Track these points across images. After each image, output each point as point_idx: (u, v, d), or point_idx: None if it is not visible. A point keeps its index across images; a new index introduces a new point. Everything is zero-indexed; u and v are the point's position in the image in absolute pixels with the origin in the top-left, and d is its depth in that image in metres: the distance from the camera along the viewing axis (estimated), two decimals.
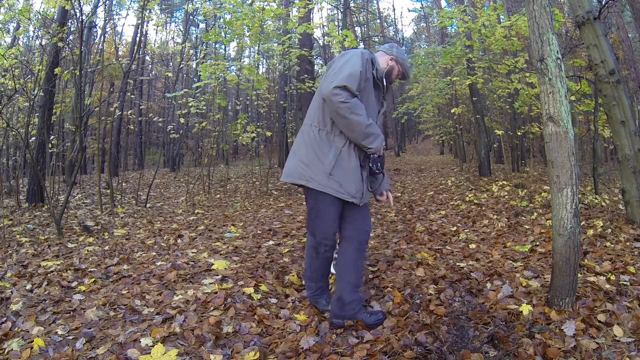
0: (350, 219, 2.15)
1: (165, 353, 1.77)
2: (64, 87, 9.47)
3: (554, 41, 1.96)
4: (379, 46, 2.43)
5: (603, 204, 4.73)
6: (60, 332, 2.01)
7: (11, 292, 2.55)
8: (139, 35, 11.94)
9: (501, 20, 7.44)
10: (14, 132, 6.49)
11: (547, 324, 1.88)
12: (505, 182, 6.56)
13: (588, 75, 5.71)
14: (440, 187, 7.26)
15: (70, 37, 7.25)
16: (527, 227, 3.78)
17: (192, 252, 3.40)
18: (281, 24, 9.42)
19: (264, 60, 19.12)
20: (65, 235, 4.51)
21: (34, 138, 6.99)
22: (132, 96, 15.51)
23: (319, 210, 2.09)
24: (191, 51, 18.53)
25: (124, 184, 10.08)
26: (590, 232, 3.33)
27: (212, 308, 2.22)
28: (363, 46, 18.56)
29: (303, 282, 2.67)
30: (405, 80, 2.48)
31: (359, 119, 1.94)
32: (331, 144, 2.02)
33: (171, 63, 21.96)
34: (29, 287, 2.70)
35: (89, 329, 2.04)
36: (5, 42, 9.62)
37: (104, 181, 8.38)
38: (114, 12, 18.66)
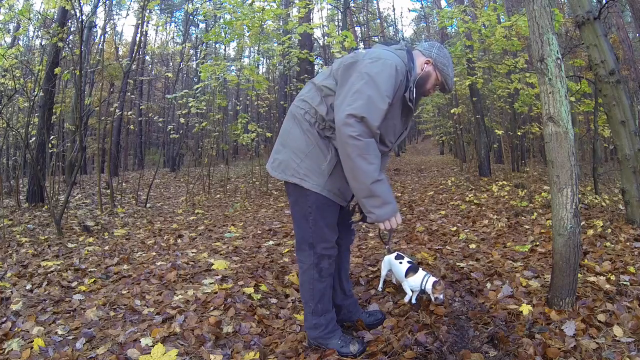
0: (340, 223, 1.82)
1: (165, 353, 1.77)
2: (64, 87, 9.48)
3: (554, 41, 1.96)
4: (418, 44, 1.84)
5: (603, 204, 4.73)
6: (60, 332, 2.01)
7: (11, 292, 2.55)
8: (139, 35, 11.96)
9: (501, 20, 7.44)
10: (14, 132, 6.49)
11: (547, 324, 1.88)
12: (505, 182, 6.57)
13: (588, 75, 5.71)
14: (440, 187, 7.26)
15: (70, 37, 7.25)
16: (527, 227, 3.78)
17: (192, 252, 3.40)
18: (281, 24, 9.42)
19: (264, 60, 19.13)
20: (65, 235, 4.51)
21: (34, 138, 6.99)
22: (132, 96, 15.51)
23: (318, 215, 1.68)
24: (191, 51, 18.54)
25: (124, 184, 10.08)
26: (590, 232, 3.33)
27: (212, 308, 2.22)
28: (363, 46, 18.55)
29: None
30: (445, 92, 1.85)
31: (367, 168, 1.49)
32: (329, 141, 1.66)
33: (171, 63, 21.96)
34: (29, 287, 2.70)
35: (89, 329, 2.04)
36: (5, 42, 9.61)
37: (104, 181, 8.37)
38: (114, 12, 18.67)
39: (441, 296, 2.06)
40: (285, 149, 1.72)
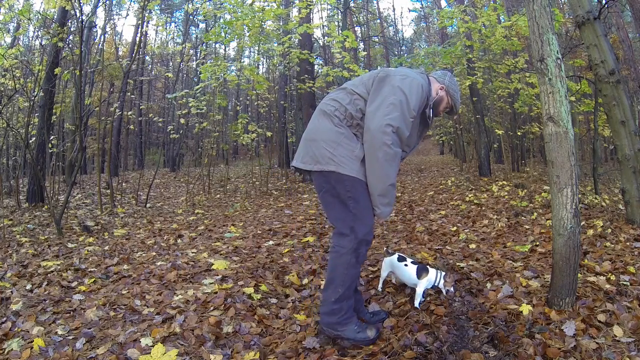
0: None
1: (165, 353, 1.77)
2: (64, 87, 9.47)
3: (554, 41, 1.96)
4: (432, 72, 2.16)
5: (603, 204, 4.73)
6: (60, 332, 2.01)
7: (11, 292, 2.55)
8: (139, 35, 11.94)
9: (501, 20, 7.44)
10: (14, 132, 6.49)
11: (547, 324, 1.88)
12: (505, 182, 6.57)
13: (588, 75, 5.71)
14: (440, 187, 7.26)
15: (70, 37, 7.25)
16: (527, 227, 3.78)
17: (192, 252, 3.40)
18: (281, 24, 9.42)
19: (264, 60, 19.13)
20: (65, 235, 4.51)
21: (34, 138, 6.99)
22: (132, 96, 15.51)
23: (360, 199, 1.79)
24: (191, 51, 18.53)
25: (124, 184, 10.09)
26: (590, 232, 3.33)
27: (212, 308, 2.22)
28: (363, 46, 18.53)
29: (303, 282, 2.67)
30: (453, 115, 2.16)
31: (390, 172, 1.73)
32: (357, 136, 1.82)
33: (171, 63, 21.96)
34: (29, 287, 2.71)
35: (89, 329, 2.04)
36: (5, 42, 9.62)
37: (104, 181, 8.38)
38: (114, 12, 18.67)
39: (452, 288, 2.12)
40: (315, 142, 1.84)
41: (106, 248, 3.81)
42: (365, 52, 17.59)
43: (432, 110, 1.96)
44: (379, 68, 2.02)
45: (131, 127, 16.25)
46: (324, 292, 1.90)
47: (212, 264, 2.90)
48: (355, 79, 1.98)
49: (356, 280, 1.89)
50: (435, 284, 2.15)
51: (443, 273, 2.16)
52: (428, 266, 2.21)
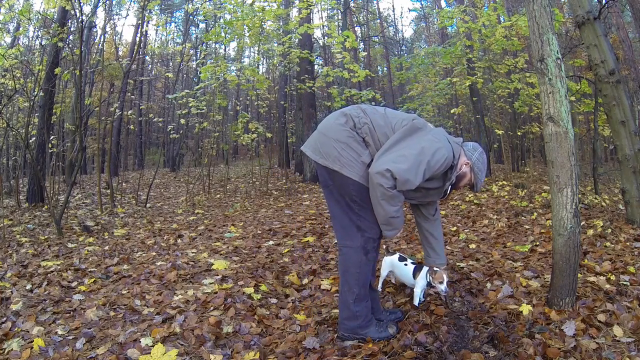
0: None
1: (165, 353, 1.76)
2: (64, 87, 9.47)
3: (554, 41, 1.96)
4: (464, 144, 1.93)
5: (603, 204, 4.73)
6: (60, 332, 2.01)
7: (11, 292, 2.55)
8: (139, 35, 11.95)
9: (501, 20, 7.45)
10: (14, 132, 6.49)
11: (547, 324, 1.88)
12: (505, 182, 6.56)
13: (588, 75, 5.71)
14: None
15: (70, 37, 7.25)
16: (527, 227, 3.78)
17: (192, 252, 3.40)
18: (281, 24, 9.42)
19: (264, 60, 19.13)
20: (65, 235, 4.51)
21: (34, 138, 6.99)
22: (132, 96, 15.52)
23: (364, 204, 1.78)
24: (191, 51, 18.52)
25: (124, 184, 10.09)
26: (590, 232, 3.33)
27: (212, 308, 2.22)
28: (363, 46, 18.53)
29: (303, 282, 2.67)
30: (473, 191, 2.05)
31: (389, 209, 1.70)
32: (367, 145, 1.79)
33: (171, 63, 21.96)
34: (29, 287, 2.71)
35: (89, 329, 2.04)
36: (5, 42, 9.62)
37: (104, 181, 8.38)
38: (114, 12, 18.67)
39: (442, 286, 2.01)
40: (326, 138, 1.81)
41: (106, 248, 3.81)
42: (365, 53, 17.60)
43: (452, 185, 1.90)
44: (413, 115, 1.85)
45: (131, 127, 16.25)
46: (341, 297, 1.88)
47: (212, 264, 2.90)
48: (394, 116, 1.86)
49: (370, 279, 1.88)
50: (428, 280, 2.09)
51: (430, 271, 2.09)
52: (423, 265, 2.19)
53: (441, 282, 2.02)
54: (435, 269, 2.06)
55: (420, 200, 1.95)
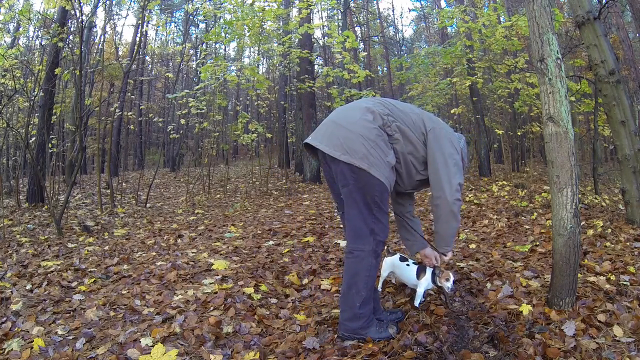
0: None
1: (165, 353, 1.76)
2: (64, 87, 9.47)
3: (554, 41, 1.96)
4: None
5: (603, 204, 4.73)
6: (60, 332, 2.01)
7: (11, 292, 2.55)
8: (139, 35, 11.95)
9: (501, 20, 7.45)
10: (14, 132, 6.50)
11: (547, 324, 1.88)
12: (505, 182, 6.56)
13: (588, 75, 5.71)
14: None
15: (70, 37, 7.25)
16: (527, 227, 3.78)
17: (192, 252, 3.40)
18: (281, 24, 9.42)
19: (264, 60, 19.13)
20: (65, 235, 4.51)
21: (34, 138, 6.99)
22: (132, 96, 15.52)
23: (383, 206, 1.77)
24: (191, 51, 18.53)
25: (124, 184, 10.08)
26: (590, 232, 3.33)
27: (212, 308, 2.22)
28: (363, 46, 18.53)
29: (303, 282, 2.67)
30: None
31: (459, 217, 1.85)
32: (391, 145, 1.81)
33: (171, 63, 21.96)
34: (29, 287, 2.71)
35: (89, 329, 2.04)
36: (5, 42, 9.62)
37: (104, 181, 8.38)
38: (114, 12, 18.67)
39: (448, 284, 2.02)
40: (349, 132, 1.73)
41: (106, 248, 3.81)
42: (365, 53, 17.60)
43: None
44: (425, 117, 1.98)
45: (131, 127, 16.26)
46: (343, 298, 1.86)
47: (212, 264, 2.90)
48: (411, 112, 1.92)
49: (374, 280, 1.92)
50: (435, 283, 2.11)
51: (437, 271, 2.11)
52: (427, 266, 2.19)
53: (447, 280, 2.04)
54: (443, 269, 2.11)
55: (418, 189, 2.10)
